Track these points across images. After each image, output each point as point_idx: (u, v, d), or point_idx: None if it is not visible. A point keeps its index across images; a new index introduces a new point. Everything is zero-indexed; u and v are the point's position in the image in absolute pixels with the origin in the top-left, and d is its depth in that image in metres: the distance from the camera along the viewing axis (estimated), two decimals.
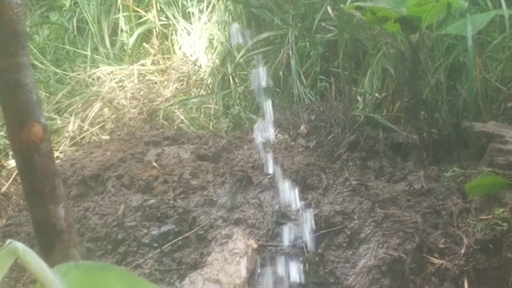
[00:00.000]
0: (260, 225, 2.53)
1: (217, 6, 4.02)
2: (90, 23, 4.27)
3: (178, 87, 3.88)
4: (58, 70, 4.05)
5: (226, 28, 3.91)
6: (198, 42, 4.02)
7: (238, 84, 3.69)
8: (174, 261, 2.54)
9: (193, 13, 4.10)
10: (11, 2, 1.47)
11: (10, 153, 3.21)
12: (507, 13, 2.78)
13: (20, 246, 0.61)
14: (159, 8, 4.20)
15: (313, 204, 2.56)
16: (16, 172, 3.06)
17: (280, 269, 2.43)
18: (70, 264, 0.68)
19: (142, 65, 4.06)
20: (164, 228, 2.61)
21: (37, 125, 1.51)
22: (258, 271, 2.43)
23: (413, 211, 2.53)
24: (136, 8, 4.24)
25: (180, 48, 4.09)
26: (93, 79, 3.94)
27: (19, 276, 2.57)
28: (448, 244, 2.42)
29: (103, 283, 0.69)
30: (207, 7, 4.08)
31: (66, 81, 3.96)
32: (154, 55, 4.15)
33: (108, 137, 3.42)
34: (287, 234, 2.49)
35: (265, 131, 2.95)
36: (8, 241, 0.61)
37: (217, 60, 3.90)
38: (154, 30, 4.21)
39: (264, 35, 3.62)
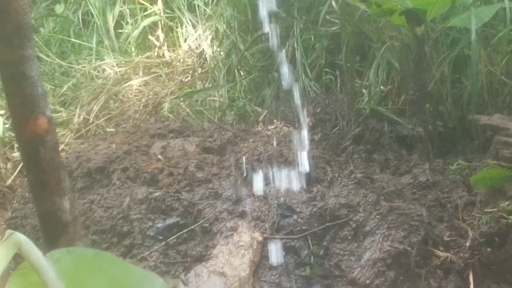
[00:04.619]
0: (265, 217, 2.54)
1: None
2: (95, 16, 4.27)
3: (183, 79, 3.88)
4: (63, 63, 4.05)
5: (231, 21, 3.91)
6: (204, 34, 4.02)
7: (243, 77, 3.69)
8: (179, 254, 2.55)
9: (198, 5, 4.09)
10: None
11: (16, 145, 3.22)
12: (509, 5, 2.77)
13: (22, 237, 0.61)
14: (164, 1, 4.19)
15: (318, 196, 2.56)
16: (21, 164, 3.07)
17: (285, 262, 2.43)
18: (62, 250, 0.68)
19: (147, 57, 4.06)
20: (169, 221, 2.62)
21: (42, 118, 1.51)
22: (263, 263, 2.44)
23: (418, 204, 2.52)
24: (141, 1, 4.24)
25: (185, 41, 4.08)
26: (98, 71, 3.95)
27: None
28: (453, 237, 2.42)
29: (95, 269, 0.69)
30: None
31: (71, 73, 3.97)
32: (159, 47, 4.14)
33: (113, 129, 3.43)
34: (292, 227, 2.49)
35: None
36: (9, 232, 0.61)
37: (222, 53, 3.89)
38: (159, 22, 4.21)
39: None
